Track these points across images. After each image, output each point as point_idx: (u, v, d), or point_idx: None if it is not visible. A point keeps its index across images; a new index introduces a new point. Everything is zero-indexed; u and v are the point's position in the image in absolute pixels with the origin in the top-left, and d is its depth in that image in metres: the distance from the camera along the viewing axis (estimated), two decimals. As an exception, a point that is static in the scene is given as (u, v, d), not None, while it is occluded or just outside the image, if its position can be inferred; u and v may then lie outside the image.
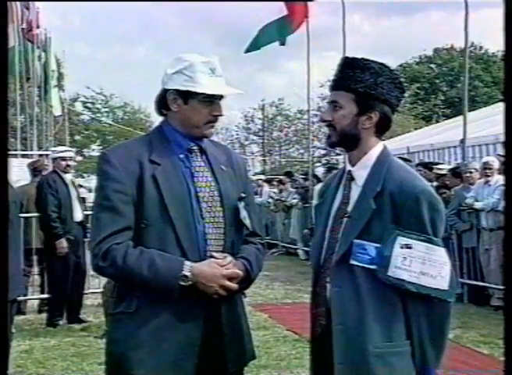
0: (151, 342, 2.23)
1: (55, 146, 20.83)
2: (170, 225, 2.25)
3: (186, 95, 2.34)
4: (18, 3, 14.30)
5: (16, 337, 6.23)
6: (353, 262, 2.16)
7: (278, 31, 13.01)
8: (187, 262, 2.22)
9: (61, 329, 6.78)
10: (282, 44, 13.21)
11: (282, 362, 5.35)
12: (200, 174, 2.38)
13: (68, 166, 6.97)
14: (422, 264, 2.11)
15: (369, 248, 2.14)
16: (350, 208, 2.23)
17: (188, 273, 2.20)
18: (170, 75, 2.36)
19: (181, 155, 2.38)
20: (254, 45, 13.36)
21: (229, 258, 2.30)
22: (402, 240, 2.11)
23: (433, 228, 2.14)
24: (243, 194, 2.42)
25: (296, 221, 13.37)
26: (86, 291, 7.66)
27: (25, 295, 7.57)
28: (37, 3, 15.85)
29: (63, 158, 6.96)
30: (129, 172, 2.26)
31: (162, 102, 2.41)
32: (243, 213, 2.39)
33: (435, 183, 9.46)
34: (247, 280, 2.35)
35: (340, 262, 2.18)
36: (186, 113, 2.36)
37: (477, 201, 8.03)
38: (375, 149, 2.26)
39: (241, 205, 2.39)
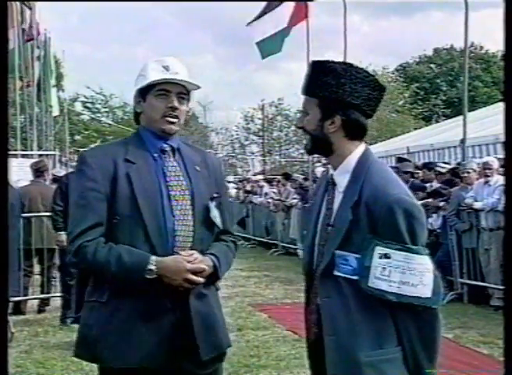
0: (122, 329, 2.34)
1: (55, 146, 20.84)
2: (140, 221, 2.35)
3: (144, 93, 2.47)
4: (18, 3, 14.31)
5: (16, 337, 6.24)
6: (336, 273, 2.14)
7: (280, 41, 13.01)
8: (153, 257, 2.32)
9: (61, 329, 6.77)
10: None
11: (281, 362, 5.33)
12: (173, 174, 2.47)
13: None
14: (402, 273, 2.07)
15: (350, 258, 2.12)
16: (332, 216, 2.21)
17: (153, 267, 2.30)
18: (134, 82, 2.51)
19: (155, 155, 2.47)
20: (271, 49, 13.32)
21: (196, 254, 2.39)
22: (380, 250, 2.07)
23: (411, 236, 2.08)
24: (215, 195, 2.51)
25: (295, 221, 13.35)
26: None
27: (25, 295, 7.58)
28: (37, 3, 15.86)
29: None
30: (104, 170, 2.38)
31: (136, 111, 2.56)
32: (214, 212, 2.48)
33: (435, 183, 9.47)
34: (214, 275, 2.45)
35: (325, 273, 2.17)
36: (146, 110, 2.50)
37: (476, 201, 8.03)
38: (355, 153, 2.19)
39: (212, 204, 2.48)
